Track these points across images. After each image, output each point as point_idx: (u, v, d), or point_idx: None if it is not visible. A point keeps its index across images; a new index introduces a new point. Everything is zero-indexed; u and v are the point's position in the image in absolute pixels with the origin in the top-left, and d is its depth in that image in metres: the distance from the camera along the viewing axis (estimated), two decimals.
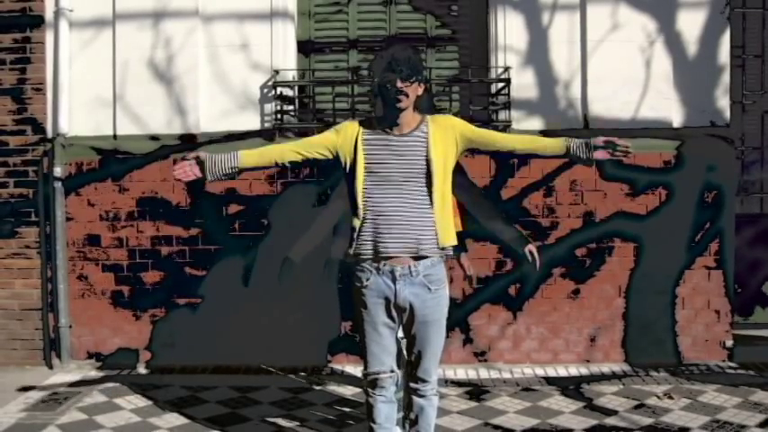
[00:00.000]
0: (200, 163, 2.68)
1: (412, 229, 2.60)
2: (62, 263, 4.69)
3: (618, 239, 4.64)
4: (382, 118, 2.70)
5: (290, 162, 2.74)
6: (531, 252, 3.19)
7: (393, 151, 2.63)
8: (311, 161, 2.75)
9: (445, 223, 2.65)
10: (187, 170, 2.69)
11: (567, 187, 4.62)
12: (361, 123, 2.72)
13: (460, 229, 3.37)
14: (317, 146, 2.72)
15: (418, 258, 2.63)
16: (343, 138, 2.70)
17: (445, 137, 2.67)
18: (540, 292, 4.66)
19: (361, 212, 2.62)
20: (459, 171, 2.91)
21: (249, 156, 2.72)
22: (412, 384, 2.84)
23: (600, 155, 2.68)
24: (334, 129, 2.74)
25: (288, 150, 2.74)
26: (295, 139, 4.56)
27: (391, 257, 2.61)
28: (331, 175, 4.52)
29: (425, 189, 2.62)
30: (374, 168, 2.63)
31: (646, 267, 4.63)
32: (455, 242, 2.71)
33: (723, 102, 4.64)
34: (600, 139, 2.69)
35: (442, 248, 2.65)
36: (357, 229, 2.63)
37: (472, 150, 2.79)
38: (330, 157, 2.72)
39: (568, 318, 4.67)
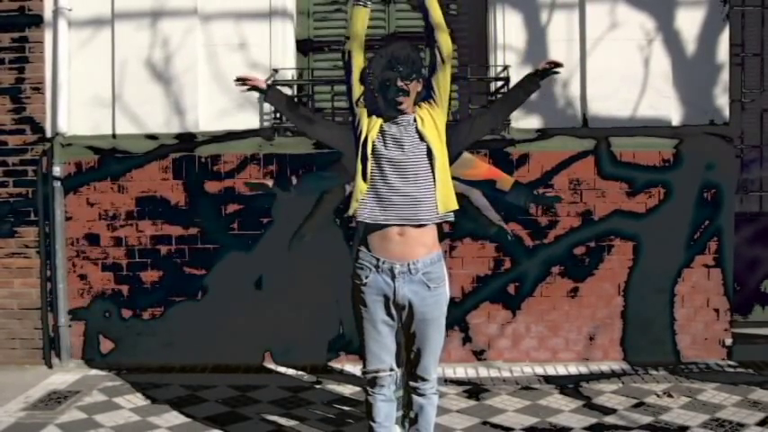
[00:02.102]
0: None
1: (412, 201, 2.62)
2: (61, 262, 4.68)
3: (617, 238, 4.64)
4: (383, 114, 2.72)
5: (357, 45, 2.81)
6: (546, 67, 3.11)
7: (397, 143, 2.66)
8: (350, 81, 2.80)
9: (445, 191, 2.68)
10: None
11: (566, 186, 4.62)
12: (379, 115, 2.75)
13: (512, 181, 3.34)
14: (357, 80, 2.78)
15: (417, 227, 2.63)
16: (368, 114, 2.75)
17: (424, 108, 2.73)
18: (540, 290, 4.66)
19: (368, 176, 2.64)
20: (454, 128, 2.91)
21: (363, 13, 2.81)
22: (411, 383, 2.84)
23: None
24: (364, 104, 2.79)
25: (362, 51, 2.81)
26: (295, 137, 4.63)
27: (390, 225, 2.63)
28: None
29: (428, 166, 2.64)
30: (381, 153, 2.66)
31: (645, 266, 4.63)
32: (456, 207, 2.72)
33: (722, 100, 4.64)
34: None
35: (445, 213, 2.66)
36: (358, 193, 2.65)
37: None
38: (354, 98, 2.78)
39: (567, 316, 4.67)
